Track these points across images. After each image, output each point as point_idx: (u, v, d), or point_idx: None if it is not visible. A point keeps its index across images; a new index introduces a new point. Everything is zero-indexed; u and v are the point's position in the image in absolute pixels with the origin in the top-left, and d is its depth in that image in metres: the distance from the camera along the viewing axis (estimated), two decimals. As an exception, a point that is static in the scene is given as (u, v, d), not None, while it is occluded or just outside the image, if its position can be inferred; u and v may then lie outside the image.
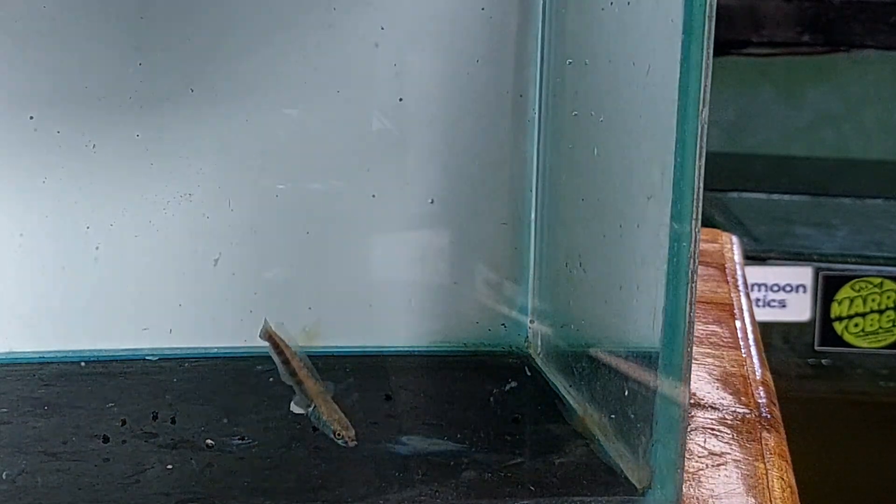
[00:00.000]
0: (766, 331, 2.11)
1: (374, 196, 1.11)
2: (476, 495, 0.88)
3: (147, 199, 1.09)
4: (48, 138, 1.07)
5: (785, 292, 2.16)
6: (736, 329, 1.29)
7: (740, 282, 1.47)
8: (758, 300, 2.15)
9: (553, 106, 1.08)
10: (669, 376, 0.85)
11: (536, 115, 1.10)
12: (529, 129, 1.11)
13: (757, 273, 2.15)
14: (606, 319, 0.97)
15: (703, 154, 0.80)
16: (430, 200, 1.11)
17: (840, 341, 2.15)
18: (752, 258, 2.08)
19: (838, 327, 2.16)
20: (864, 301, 2.14)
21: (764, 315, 2.13)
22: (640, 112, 0.88)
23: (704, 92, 0.80)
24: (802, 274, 2.16)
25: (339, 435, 0.94)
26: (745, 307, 1.38)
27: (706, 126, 0.80)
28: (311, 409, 0.96)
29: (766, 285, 2.17)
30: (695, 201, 0.81)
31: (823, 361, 2.16)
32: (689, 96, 0.80)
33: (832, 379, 2.17)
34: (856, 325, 2.14)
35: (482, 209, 1.12)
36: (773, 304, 2.18)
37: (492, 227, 1.13)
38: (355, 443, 0.93)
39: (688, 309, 0.83)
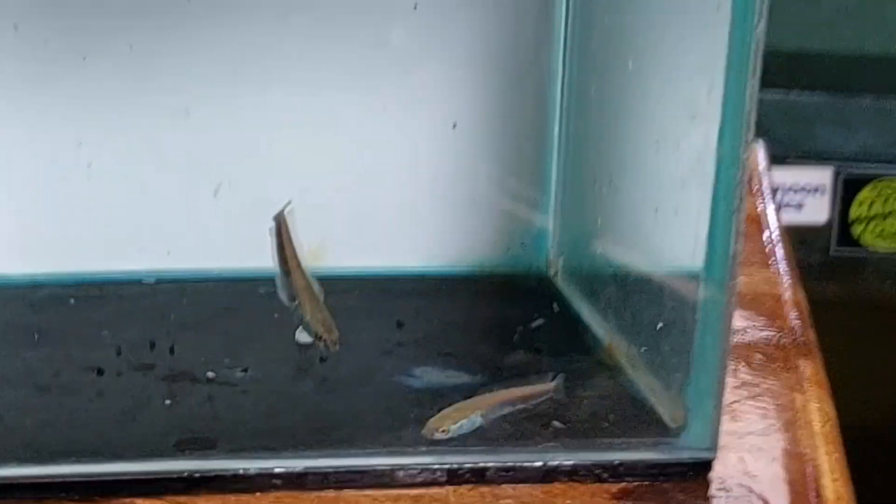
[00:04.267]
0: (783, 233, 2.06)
1: (384, 109, 1.03)
2: (495, 435, 0.82)
3: (142, 114, 1.02)
4: (35, 49, 0.99)
5: (804, 193, 2.10)
6: (763, 244, 1.23)
7: (766, 190, 1.40)
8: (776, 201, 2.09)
9: (582, 11, 1.00)
10: (710, 310, 0.79)
11: (563, 21, 1.02)
12: (555, 36, 1.03)
13: (774, 174, 2.09)
14: (638, 243, 0.90)
15: (758, 73, 0.73)
16: (447, 117, 1.03)
17: (857, 244, 2.10)
18: (770, 159, 2.01)
19: (857, 229, 2.10)
20: (885, 202, 2.08)
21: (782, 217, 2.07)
22: (685, 23, 0.80)
23: (763, 2, 0.72)
24: (821, 175, 2.10)
25: (321, 337, 0.87)
26: (771, 217, 1.31)
27: (762, 42, 0.72)
28: (294, 304, 0.89)
29: (783, 186, 2.11)
30: (746, 125, 0.73)
31: (840, 263, 2.11)
32: (745, 6, 0.72)
33: (848, 281, 2.12)
34: (875, 226, 2.09)
35: (500, 121, 1.05)
36: (790, 206, 2.12)
37: (511, 140, 1.06)
38: (338, 347, 0.86)
39: (734, 240, 0.76)
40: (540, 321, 0.97)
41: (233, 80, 1.02)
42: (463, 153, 1.05)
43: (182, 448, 0.80)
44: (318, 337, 0.86)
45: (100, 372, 0.90)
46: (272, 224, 0.91)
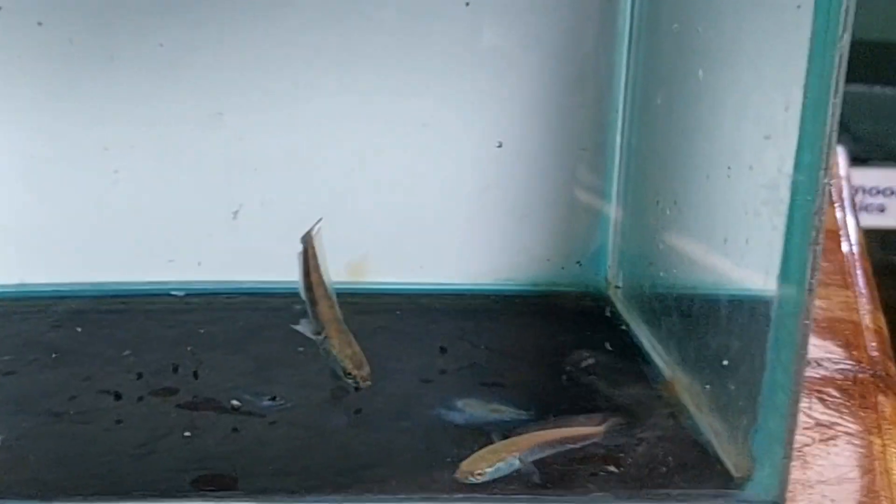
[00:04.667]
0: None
1: (431, 118, 0.96)
2: (540, 482, 0.75)
3: (172, 118, 0.95)
4: (60, 48, 0.93)
5: (885, 196, 2.02)
6: (843, 260, 1.14)
7: (847, 200, 1.31)
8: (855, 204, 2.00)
9: (650, 14, 0.92)
10: (781, 350, 0.71)
11: (628, 25, 0.94)
12: (619, 41, 0.96)
13: (855, 175, 2.00)
14: (705, 270, 0.82)
15: (840, 90, 0.65)
16: (498, 129, 0.95)
17: (942, 249, 2.02)
18: (851, 159, 1.93)
19: (940, 234, 2.02)
20: (971, 206, 2.00)
21: (861, 220, 1.99)
22: (761, 31, 0.72)
23: (847, 13, 0.64)
24: (905, 177, 2.02)
25: (349, 374, 0.80)
26: (852, 229, 1.23)
27: (846, 55, 0.64)
28: (321, 337, 0.82)
29: (864, 188, 2.02)
30: (825, 147, 0.65)
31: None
32: (828, 16, 0.64)
33: (930, 288, 2.03)
34: (961, 230, 2.01)
35: (558, 131, 0.97)
36: (870, 208, 2.03)
37: (569, 152, 0.98)
38: (368, 383, 0.79)
39: (809, 274, 0.68)
40: (591, 360, 0.89)
41: (269, 82, 0.95)
42: (516, 165, 0.98)
43: (199, 487, 0.74)
44: (346, 373, 0.79)
45: (118, 396, 0.84)
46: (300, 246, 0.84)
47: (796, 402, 0.72)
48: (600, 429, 0.78)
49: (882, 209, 2.03)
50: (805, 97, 0.66)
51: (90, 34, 0.93)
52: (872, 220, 2.02)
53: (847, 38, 0.65)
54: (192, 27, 0.94)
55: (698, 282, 0.83)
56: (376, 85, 0.96)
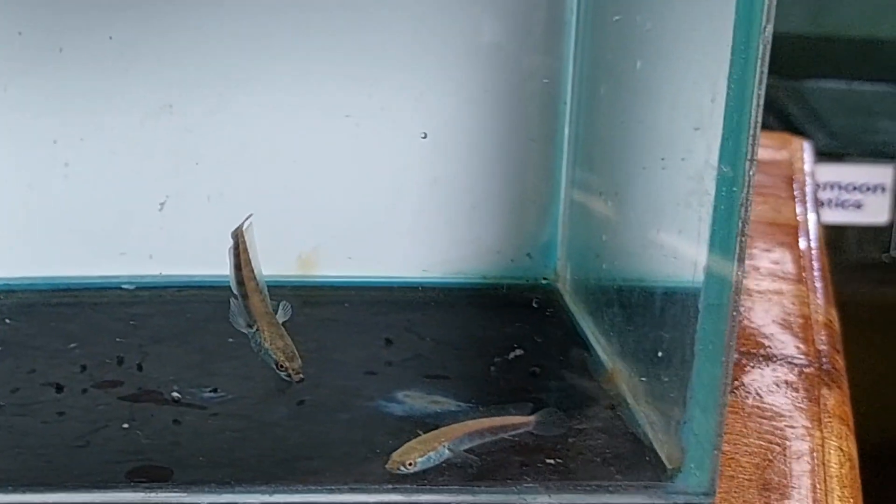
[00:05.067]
0: (838, 233, 1.97)
1: (382, 108, 0.96)
2: (475, 474, 0.75)
3: (122, 111, 0.95)
4: (7, 40, 0.93)
5: (861, 192, 2.02)
6: (800, 256, 1.14)
7: (809, 196, 1.31)
8: (831, 201, 2.01)
9: (595, 4, 0.92)
10: (709, 343, 0.71)
11: (574, 16, 0.94)
12: (566, 31, 0.95)
13: (832, 172, 2.01)
14: (642, 262, 0.82)
15: (764, 81, 0.65)
16: (447, 119, 0.95)
17: (919, 246, 2.02)
18: (827, 155, 1.93)
19: (920, 231, 2.02)
20: (951, 203, 2.00)
21: (837, 216, 1.99)
22: (691, 20, 0.72)
23: (770, 4, 0.64)
24: (882, 173, 2.01)
25: (282, 366, 0.80)
26: (812, 226, 1.23)
27: (769, 47, 0.64)
28: (253, 331, 0.82)
29: (840, 185, 2.02)
30: (750, 139, 0.66)
31: (898, 266, 2.02)
32: (751, 5, 0.64)
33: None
34: (940, 228, 2.00)
35: (506, 122, 0.97)
36: (847, 204, 2.03)
37: (518, 143, 0.98)
38: (301, 377, 0.80)
39: (736, 266, 0.68)
40: (535, 353, 0.89)
41: (220, 74, 0.95)
42: (465, 157, 0.97)
43: (133, 479, 0.74)
44: (279, 366, 0.79)
45: (59, 389, 0.84)
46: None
47: (725, 394, 0.72)
48: (531, 418, 0.78)
49: (859, 206, 2.03)
50: (729, 88, 0.67)
51: (38, 26, 0.93)
52: (849, 217, 2.02)
53: (770, 29, 0.65)
54: (142, 20, 0.94)
55: (636, 274, 0.83)
56: (326, 76, 0.96)
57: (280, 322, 0.82)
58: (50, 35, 0.93)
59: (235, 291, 0.83)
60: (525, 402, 0.80)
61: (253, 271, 0.83)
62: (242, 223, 0.83)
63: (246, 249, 0.83)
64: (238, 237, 0.83)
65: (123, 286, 0.98)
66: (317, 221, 0.98)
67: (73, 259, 0.98)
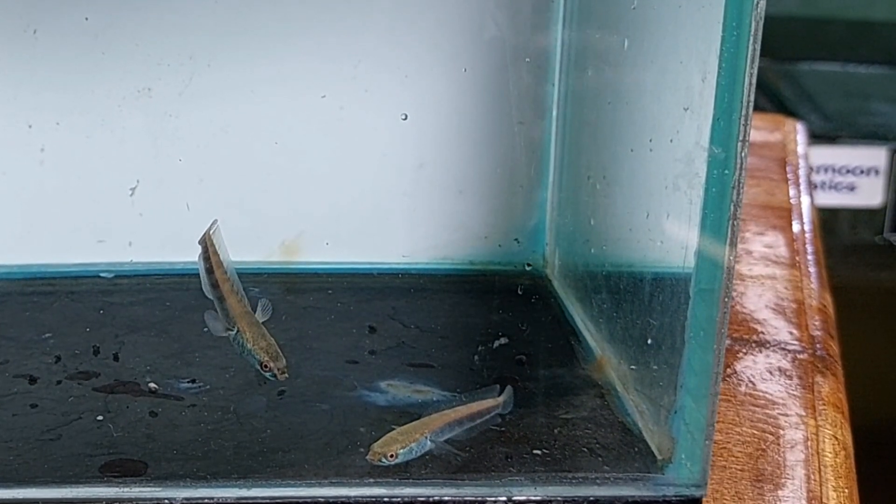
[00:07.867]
0: (831, 216, 1.95)
1: (366, 91, 0.94)
2: (458, 466, 0.73)
3: (99, 95, 0.93)
4: (-22, 21, 0.90)
5: (855, 175, 2.00)
6: (793, 239, 1.12)
7: (802, 178, 1.29)
8: (824, 183, 1.99)
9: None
10: (700, 329, 0.69)
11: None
12: (554, 12, 0.93)
13: (825, 154, 1.98)
14: (630, 247, 0.80)
15: (756, 59, 0.62)
16: (433, 103, 0.93)
17: (913, 228, 2.00)
18: (820, 137, 1.91)
19: (912, 212, 2.00)
20: (944, 186, 1.98)
21: (831, 199, 1.97)
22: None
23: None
24: (876, 155, 1.99)
25: (266, 367, 0.78)
26: (805, 209, 1.21)
27: (762, 22, 0.62)
28: (233, 333, 0.79)
29: (834, 167, 2.00)
30: (742, 119, 0.63)
31: (894, 249, 2.00)
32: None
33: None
34: (934, 210, 1.99)
35: (492, 105, 0.95)
36: (841, 187, 2.01)
37: (506, 126, 0.96)
38: (286, 376, 0.77)
39: (727, 251, 0.66)
40: (523, 340, 0.87)
41: (197, 57, 0.92)
42: (452, 141, 0.95)
43: (105, 473, 0.72)
44: (263, 367, 0.77)
45: (32, 381, 0.81)
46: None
47: (717, 383, 0.70)
48: (499, 400, 0.76)
49: (852, 188, 2.01)
50: (720, 66, 0.64)
51: (11, 7, 0.90)
52: (843, 199, 2.00)
53: (763, 4, 0.63)
54: (119, 3, 0.91)
55: (625, 258, 0.81)
56: (312, 58, 0.93)
57: (260, 322, 0.79)
58: (23, 16, 0.91)
59: (210, 296, 0.80)
60: (517, 391, 0.78)
61: (226, 273, 0.80)
62: (208, 229, 0.80)
63: (216, 252, 0.80)
64: (206, 241, 0.80)
65: (101, 274, 0.96)
66: (299, 207, 0.96)
67: (50, 246, 0.96)
